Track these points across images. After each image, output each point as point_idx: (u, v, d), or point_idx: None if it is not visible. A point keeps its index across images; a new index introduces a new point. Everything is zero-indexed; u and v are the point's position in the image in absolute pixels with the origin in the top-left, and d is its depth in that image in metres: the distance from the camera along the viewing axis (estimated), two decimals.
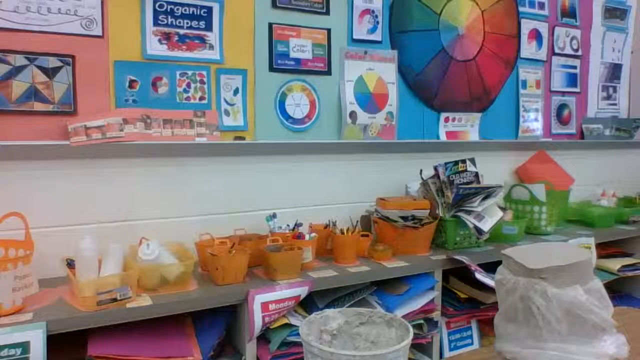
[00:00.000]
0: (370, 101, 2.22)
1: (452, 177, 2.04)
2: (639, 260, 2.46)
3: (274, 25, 1.98)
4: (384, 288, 1.80)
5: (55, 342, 1.30)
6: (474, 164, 2.11)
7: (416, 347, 1.90)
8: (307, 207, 2.08)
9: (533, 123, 2.75)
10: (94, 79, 1.68)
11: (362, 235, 1.91)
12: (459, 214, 2.00)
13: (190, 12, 1.82)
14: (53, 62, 1.62)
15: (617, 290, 2.56)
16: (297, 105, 2.06)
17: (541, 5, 2.73)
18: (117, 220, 1.74)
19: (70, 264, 1.48)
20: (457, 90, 2.47)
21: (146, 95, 1.76)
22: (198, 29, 1.84)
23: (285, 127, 2.04)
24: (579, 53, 2.92)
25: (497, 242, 2.10)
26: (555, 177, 2.62)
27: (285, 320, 1.58)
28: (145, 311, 1.40)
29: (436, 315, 1.84)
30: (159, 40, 1.78)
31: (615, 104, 3.15)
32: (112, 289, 1.37)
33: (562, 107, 2.89)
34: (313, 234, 1.80)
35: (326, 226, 1.94)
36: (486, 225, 1.97)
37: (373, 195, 2.12)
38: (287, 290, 1.56)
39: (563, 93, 2.89)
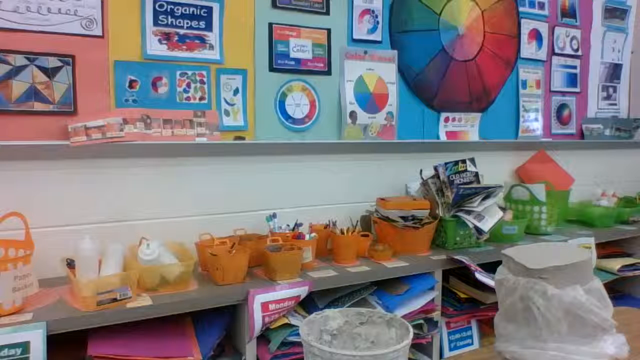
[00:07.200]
0: (370, 101, 2.22)
1: (452, 177, 2.04)
2: (639, 260, 2.46)
3: (274, 25, 1.98)
4: (384, 288, 1.79)
5: (55, 342, 1.30)
6: (474, 164, 2.11)
7: (416, 347, 1.90)
8: (307, 207, 2.08)
9: (533, 123, 2.75)
10: (94, 79, 1.68)
11: (362, 235, 1.91)
12: (459, 214, 2.00)
13: (190, 12, 1.82)
14: (53, 62, 1.61)
15: (617, 290, 2.56)
16: (297, 105, 2.06)
17: (541, 5, 2.73)
18: (117, 220, 1.74)
19: (70, 264, 1.48)
20: (457, 90, 2.46)
21: (146, 95, 1.76)
22: (198, 29, 1.84)
23: (285, 127, 2.04)
24: (579, 53, 2.92)
25: (497, 242, 2.10)
26: (555, 177, 2.62)
27: (285, 320, 1.58)
28: (145, 311, 1.40)
29: (436, 315, 1.84)
30: (159, 40, 1.77)
31: (615, 104, 3.15)
32: (112, 289, 1.37)
33: (562, 107, 2.89)
34: (313, 234, 1.80)
35: (326, 226, 1.94)
36: (486, 225, 1.97)
37: (373, 195, 2.12)
38: (287, 290, 1.56)
39: (563, 93, 2.89)
